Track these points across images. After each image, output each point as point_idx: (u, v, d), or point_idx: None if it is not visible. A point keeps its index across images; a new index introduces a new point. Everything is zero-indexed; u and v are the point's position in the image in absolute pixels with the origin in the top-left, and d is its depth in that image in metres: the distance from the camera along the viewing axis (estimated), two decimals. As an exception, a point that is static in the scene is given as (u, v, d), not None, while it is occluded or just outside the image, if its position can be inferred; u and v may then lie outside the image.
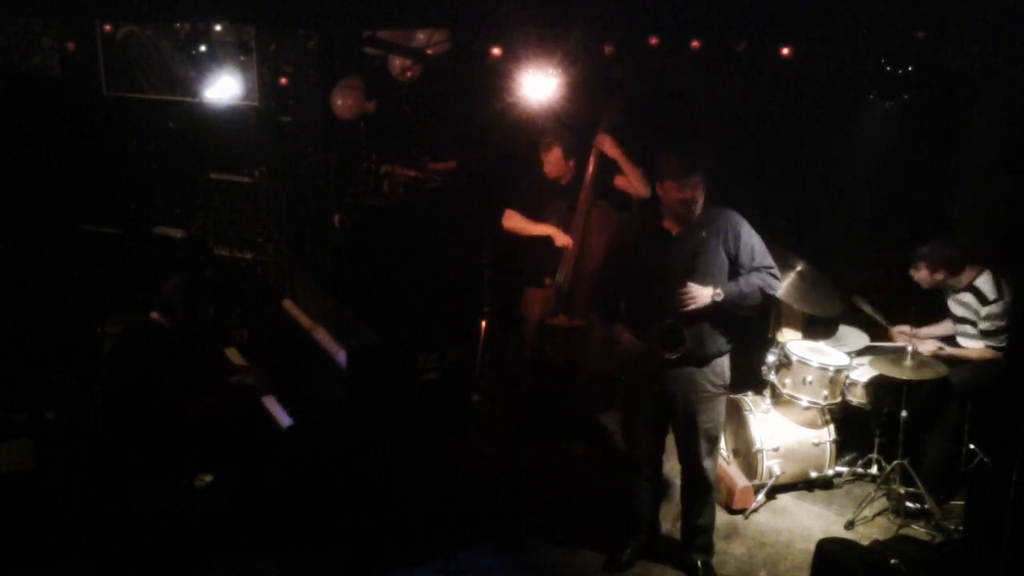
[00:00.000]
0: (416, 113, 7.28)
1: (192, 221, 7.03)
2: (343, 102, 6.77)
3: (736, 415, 5.62)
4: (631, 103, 5.87)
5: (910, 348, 5.19)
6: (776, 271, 4.48)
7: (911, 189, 6.18)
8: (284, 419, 4.75)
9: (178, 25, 6.71)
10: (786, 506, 5.45)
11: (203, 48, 6.51)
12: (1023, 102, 5.42)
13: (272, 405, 4.87)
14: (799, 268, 5.59)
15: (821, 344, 5.69)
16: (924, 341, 5.39)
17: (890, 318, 5.71)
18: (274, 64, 7.00)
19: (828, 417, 5.56)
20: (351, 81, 6.81)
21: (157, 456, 4.55)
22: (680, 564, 4.80)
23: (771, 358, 5.65)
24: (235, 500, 4.97)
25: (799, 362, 5.45)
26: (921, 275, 5.37)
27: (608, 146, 5.71)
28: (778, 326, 5.86)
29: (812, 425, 5.56)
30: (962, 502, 5.23)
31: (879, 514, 5.31)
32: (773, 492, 5.47)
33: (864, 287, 5.87)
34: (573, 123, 5.87)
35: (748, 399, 5.62)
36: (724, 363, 4.57)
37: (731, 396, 5.49)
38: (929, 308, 5.58)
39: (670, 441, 4.76)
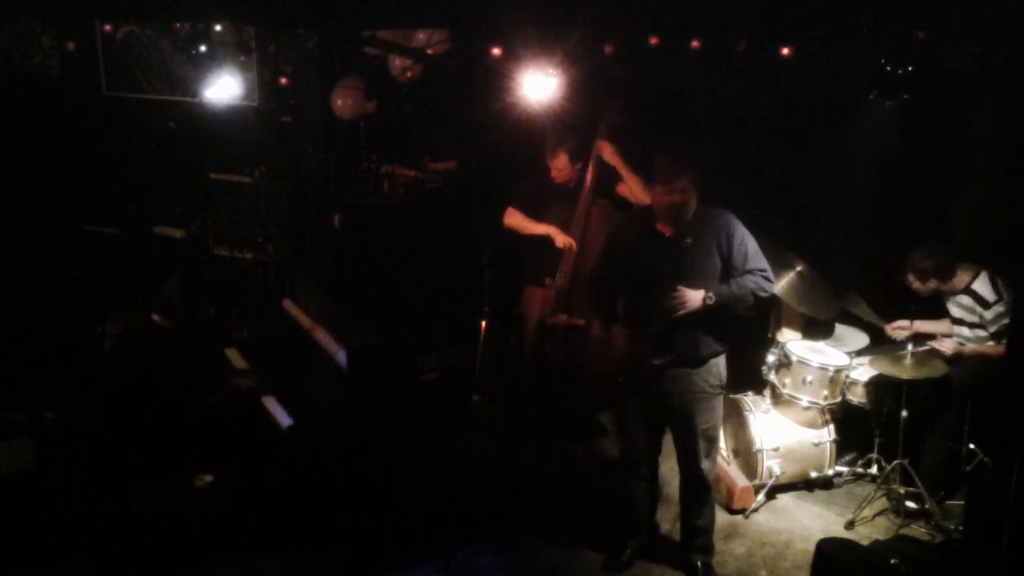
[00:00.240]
0: (416, 113, 7.28)
1: (192, 221, 7.03)
2: (343, 102, 6.77)
3: (736, 415, 5.62)
4: (631, 103, 5.87)
5: (932, 346, 5.20)
6: (769, 273, 4.47)
7: (911, 189, 6.18)
8: (284, 419, 4.76)
9: (178, 25, 6.71)
10: (786, 506, 5.45)
11: (203, 48, 6.50)
12: (1023, 102, 5.42)
13: (272, 405, 4.87)
14: (799, 268, 5.59)
15: (821, 344, 5.70)
16: (942, 340, 5.37)
17: (888, 316, 5.70)
18: (274, 64, 7.01)
19: (828, 417, 5.56)
20: (351, 81, 6.81)
21: (157, 456, 4.55)
22: (680, 565, 4.80)
23: (771, 358, 5.65)
24: (235, 500, 4.97)
25: (799, 362, 5.45)
26: (915, 285, 5.37)
27: (608, 153, 5.72)
28: (778, 326, 5.87)
29: (812, 425, 5.56)
30: (962, 502, 5.23)
31: (879, 514, 5.31)
32: (773, 492, 5.47)
33: (864, 287, 5.87)
34: (573, 123, 5.87)
35: (748, 399, 5.62)
36: (720, 364, 4.56)
37: (731, 396, 5.50)
38: (929, 308, 5.59)
39: (669, 442, 4.76)
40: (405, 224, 6.84)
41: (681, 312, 4.35)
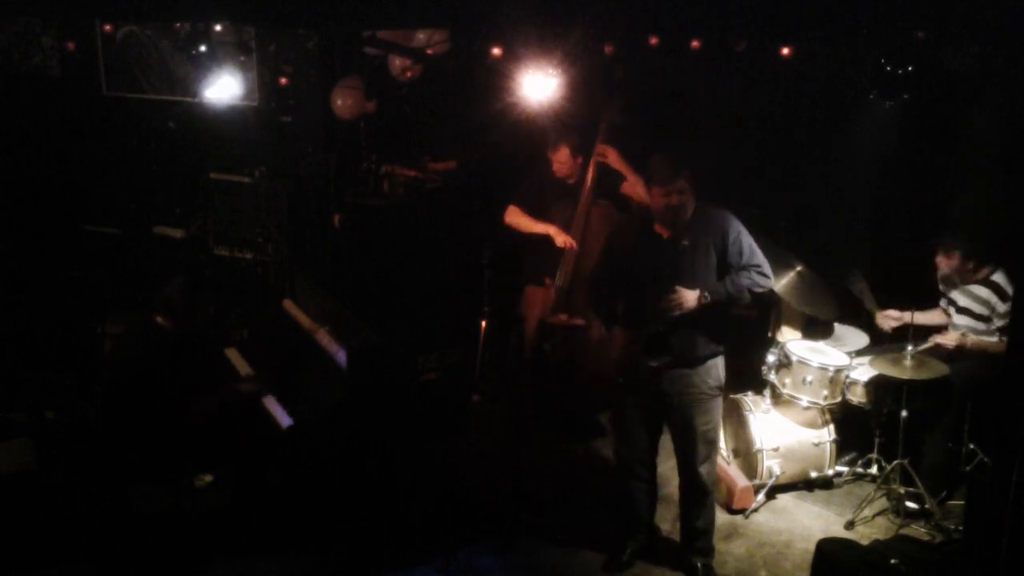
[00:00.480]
0: (416, 113, 7.28)
1: (192, 221, 7.03)
2: (343, 102, 6.77)
3: (736, 415, 5.62)
4: (631, 103, 5.87)
5: (938, 342, 5.21)
6: (765, 269, 4.46)
7: (911, 189, 6.18)
8: (284, 419, 4.75)
9: (178, 25, 6.72)
10: (786, 506, 5.45)
11: (203, 48, 6.51)
12: (1023, 102, 5.42)
13: (272, 405, 4.87)
14: (799, 268, 5.59)
15: (821, 344, 5.69)
16: (945, 333, 5.36)
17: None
18: (274, 64, 7.01)
19: (828, 417, 5.56)
20: (351, 81, 6.81)
21: (157, 456, 4.55)
22: (680, 565, 4.80)
23: (771, 358, 5.65)
24: (235, 500, 4.97)
25: (799, 362, 5.45)
26: (951, 262, 5.34)
27: (613, 158, 5.72)
28: (778, 326, 5.87)
29: (812, 425, 5.56)
30: (962, 502, 5.23)
31: (879, 514, 5.31)
32: (773, 492, 5.47)
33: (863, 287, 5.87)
34: (573, 123, 5.88)
35: (748, 399, 5.62)
36: (718, 364, 4.56)
37: (731, 396, 5.50)
38: (922, 304, 5.60)
39: (669, 442, 4.76)
40: (405, 224, 6.84)
41: (678, 312, 4.35)
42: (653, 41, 5.64)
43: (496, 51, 5.74)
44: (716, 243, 4.42)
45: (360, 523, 4.81)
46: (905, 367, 5.09)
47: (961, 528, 4.95)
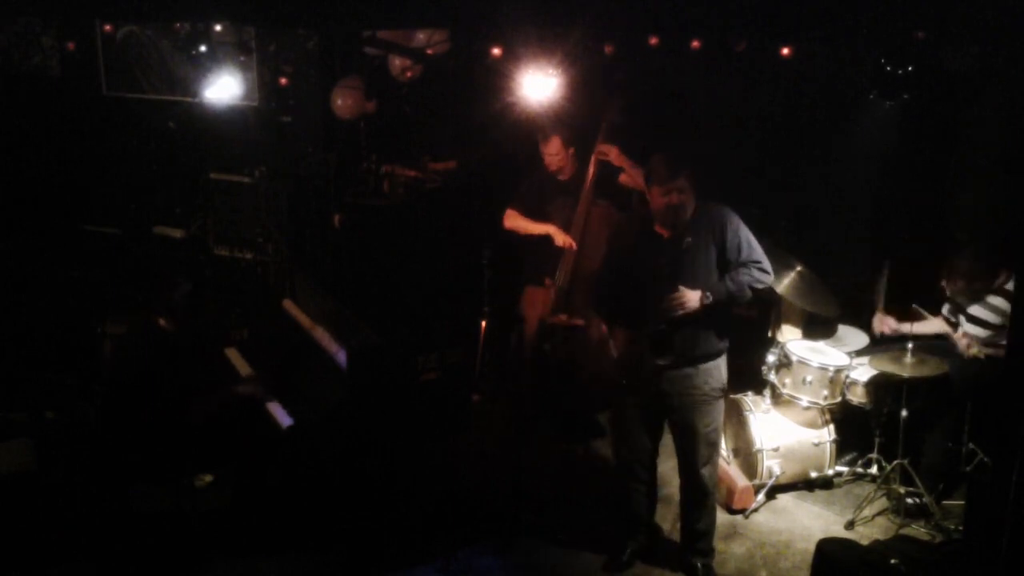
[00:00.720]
0: (416, 113, 7.28)
1: (192, 221, 7.03)
2: (343, 102, 6.77)
3: (736, 415, 5.62)
4: (631, 103, 5.87)
5: (958, 344, 5.22)
6: (765, 264, 4.45)
7: (911, 189, 6.18)
8: (284, 419, 4.76)
9: (178, 25, 6.71)
10: (786, 506, 5.45)
11: (203, 48, 6.51)
12: (1023, 102, 5.41)
13: (272, 405, 4.87)
14: (798, 268, 5.59)
15: (821, 344, 5.69)
16: (960, 340, 5.33)
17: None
18: (274, 64, 7.00)
19: (828, 417, 5.56)
20: (351, 81, 6.81)
21: (157, 456, 4.55)
22: (680, 566, 4.80)
23: (771, 358, 5.65)
24: (235, 500, 4.97)
25: (799, 362, 5.45)
26: (957, 287, 5.31)
27: (615, 156, 5.72)
28: (778, 325, 5.86)
29: (812, 425, 5.56)
30: (962, 502, 5.23)
31: (879, 514, 5.31)
32: (773, 492, 5.47)
33: (864, 287, 5.87)
34: (573, 123, 5.88)
35: (748, 399, 5.62)
36: (721, 365, 4.56)
37: (731, 396, 5.49)
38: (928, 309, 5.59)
39: (669, 442, 4.76)
40: (405, 224, 6.84)
41: (680, 312, 4.35)
42: (653, 41, 5.63)
43: (496, 51, 5.73)
44: (716, 238, 4.41)
45: (360, 523, 4.81)
46: (905, 367, 5.08)
47: (961, 528, 4.94)
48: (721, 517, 5.11)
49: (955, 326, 5.43)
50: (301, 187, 6.89)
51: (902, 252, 5.50)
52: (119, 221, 7.09)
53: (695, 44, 5.66)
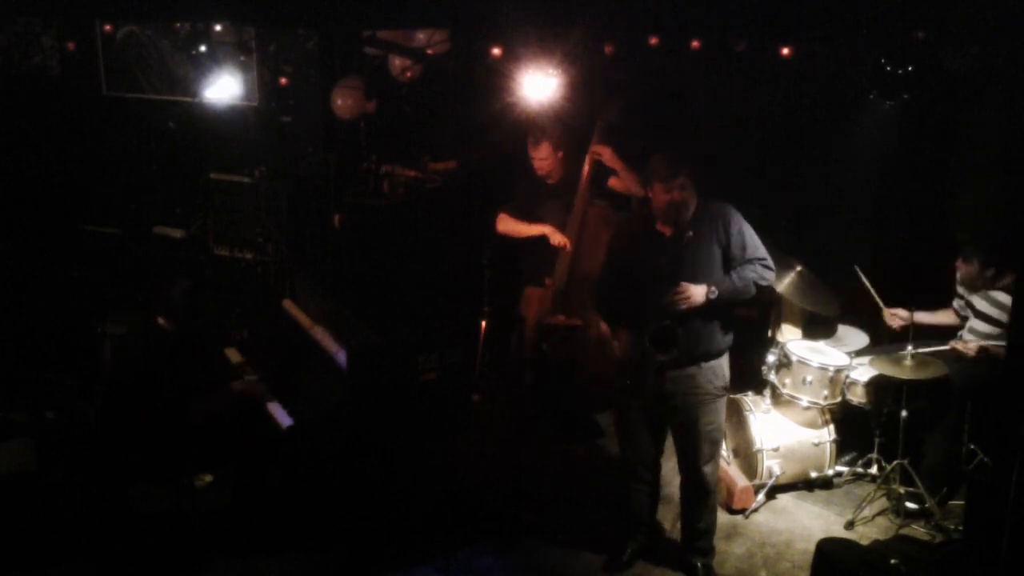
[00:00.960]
0: (416, 113, 7.28)
1: (192, 221, 7.03)
2: (343, 102, 6.77)
3: (736, 415, 5.62)
4: (631, 103, 5.87)
5: (956, 348, 5.22)
6: (769, 262, 4.47)
7: (911, 189, 6.18)
8: (284, 419, 4.76)
9: (178, 25, 6.71)
10: (786, 506, 5.45)
11: (203, 48, 6.50)
12: (1023, 102, 5.41)
13: (272, 405, 4.87)
14: (798, 268, 5.59)
15: (821, 344, 5.69)
16: (966, 342, 5.33)
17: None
18: (274, 64, 7.00)
19: (828, 417, 5.56)
20: (351, 81, 6.81)
21: (157, 456, 4.55)
22: (680, 565, 4.80)
23: (771, 358, 5.65)
24: (235, 500, 4.97)
25: (799, 362, 5.45)
26: (970, 269, 5.30)
27: (608, 157, 5.72)
28: (778, 325, 5.86)
29: (812, 425, 5.56)
30: (962, 502, 5.23)
31: (879, 514, 5.31)
32: (773, 492, 5.47)
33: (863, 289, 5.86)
34: (573, 123, 5.88)
35: (748, 399, 5.62)
36: (723, 363, 4.56)
37: (731, 396, 5.49)
38: (930, 303, 5.59)
39: (670, 442, 4.76)
40: (405, 224, 6.83)
41: (684, 307, 4.35)
42: (653, 41, 5.63)
43: (496, 51, 5.73)
44: (719, 236, 4.42)
45: (360, 523, 4.81)
46: (905, 367, 5.09)
47: (961, 528, 4.95)
48: (721, 517, 5.11)
49: (964, 320, 5.44)
50: (301, 187, 6.89)
51: (902, 252, 5.49)
52: (119, 221, 7.09)
53: (695, 44, 5.66)
